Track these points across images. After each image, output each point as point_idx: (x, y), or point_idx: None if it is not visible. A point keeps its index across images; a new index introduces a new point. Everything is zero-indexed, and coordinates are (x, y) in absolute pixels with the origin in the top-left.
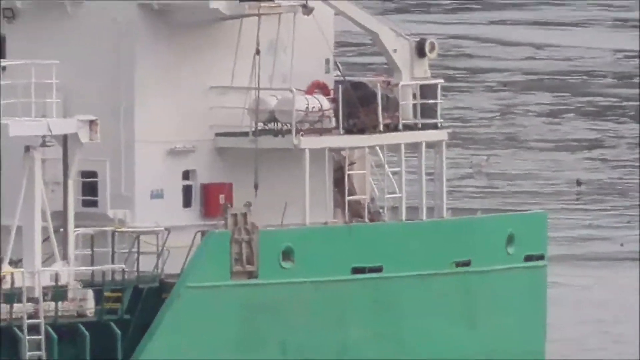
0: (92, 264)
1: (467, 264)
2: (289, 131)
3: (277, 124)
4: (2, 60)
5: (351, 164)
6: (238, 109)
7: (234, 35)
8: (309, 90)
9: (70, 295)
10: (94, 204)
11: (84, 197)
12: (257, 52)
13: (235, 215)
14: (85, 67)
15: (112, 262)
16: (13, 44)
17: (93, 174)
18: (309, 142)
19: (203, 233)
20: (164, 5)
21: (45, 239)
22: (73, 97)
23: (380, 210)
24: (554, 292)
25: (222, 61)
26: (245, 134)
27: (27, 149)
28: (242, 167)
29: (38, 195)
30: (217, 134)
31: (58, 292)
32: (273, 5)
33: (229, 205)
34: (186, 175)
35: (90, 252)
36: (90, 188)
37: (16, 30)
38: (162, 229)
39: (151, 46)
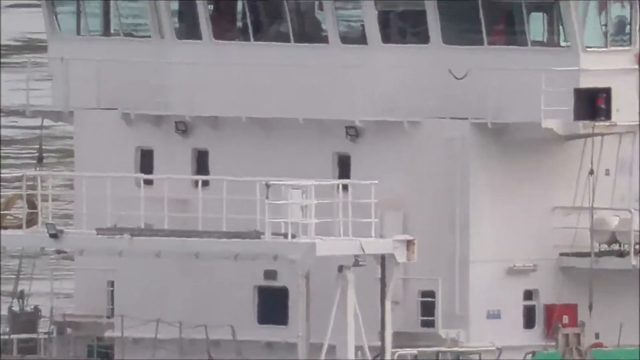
0: None
1: None
2: (628, 252)
3: (620, 245)
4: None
5: None
6: (584, 229)
7: (576, 155)
8: None
9: None
10: (431, 324)
11: (422, 317)
12: (591, 172)
13: (566, 335)
14: (421, 185)
15: None
16: (357, 161)
17: (430, 294)
18: None
19: (532, 354)
20: (499, 124)
21: None
22: (412, 214)
23: None
24: None
25: (565, 181)
26: (588, 254)
27: (340, 268)
28: (585, 288)
29: (351, 315)
30: (561, 254)
31: None
32: (608, 124)
33: (559, 325)
34: (528, 295)
35: None
36: (427, 308)
37: (359, 149)
38: (494, 348)
39: (485, 164)
